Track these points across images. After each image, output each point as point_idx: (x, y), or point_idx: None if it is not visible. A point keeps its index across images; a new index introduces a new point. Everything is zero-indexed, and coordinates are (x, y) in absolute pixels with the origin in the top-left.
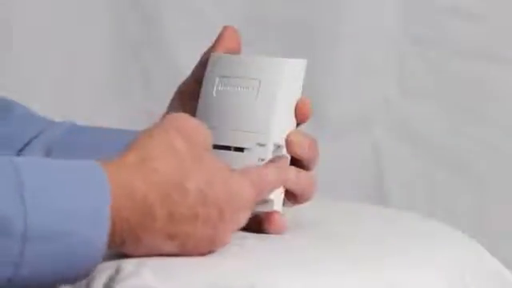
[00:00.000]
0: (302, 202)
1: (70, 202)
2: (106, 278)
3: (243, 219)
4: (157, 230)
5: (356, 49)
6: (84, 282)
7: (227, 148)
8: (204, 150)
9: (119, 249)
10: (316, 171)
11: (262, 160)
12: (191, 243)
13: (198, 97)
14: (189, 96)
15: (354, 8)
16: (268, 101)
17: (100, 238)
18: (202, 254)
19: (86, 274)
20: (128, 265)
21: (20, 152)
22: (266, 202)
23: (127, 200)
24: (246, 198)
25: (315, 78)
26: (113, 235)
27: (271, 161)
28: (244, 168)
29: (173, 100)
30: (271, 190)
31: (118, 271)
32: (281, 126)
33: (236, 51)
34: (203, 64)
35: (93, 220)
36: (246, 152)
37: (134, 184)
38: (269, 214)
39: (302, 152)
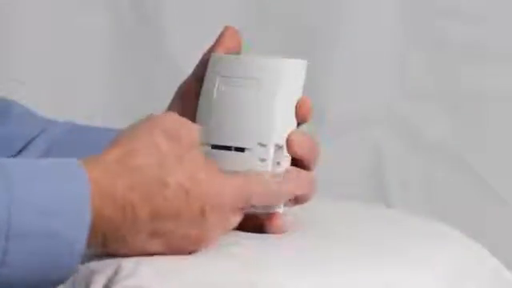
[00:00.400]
0: (302, 203)
1: (50, 201)
2: (106, 278)
3: (232, 219)
4: (139, 227)
5: (356, 49)
6: (83, 282)
7: (228, 148)
8: (189, 148)
9: (102, 248)
10: (316, 171)
11: (263, 160)
12: (175, 241)
13: (198, 96)
14: (189, 95)
15: (354, 8)
16: (268, 101)
17: (80, 236)
18: (189, 253)
19: (68, 273)
20: (128, 264)
21: (20, 152)
22: None
23: (108, 198)
24: (234, 197)
25: (315, 78)
26: (94, 233)
27: (287, 173)
28: (249, 171)
29: (173, 100)
30: (269, 201)
31: (117, 271)
32: (281, 126)
33: (236, 51)
34: (204, 64)
35: (73, 219)
36: (246, 152)
37: (115, 182)
38: (269, 215)
39: (303, 152)
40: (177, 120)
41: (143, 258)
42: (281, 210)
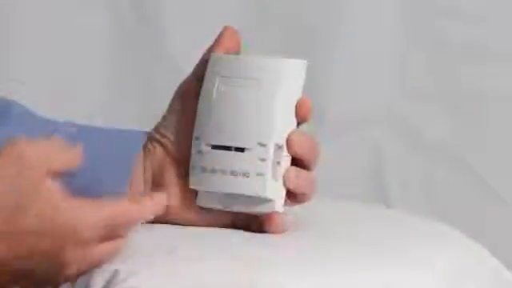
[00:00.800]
0: (302, 202)
1: None
2: (103, 281)
3: (92, 249)
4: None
5: (356, 49)
6: (83, 284)
7: (228, 148)
8: (43, 181)
9: None
10: (316, 171)
11: (263, 160)
12: (35, 279)
13: (198, 96)
14: (189, 95)
15: (354, 8)
16: (268, 101)
17: None
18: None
19: None
20: (125, 267)
21: None
22: (267, 202)
23: None
24: (89, 228)
25: (315, 78)
26: None
27: (287, 173)
28: (101, 201)
29: (173, 99)
30: (128, 228)
31: (114, 275)
32: (281, 125)
33: (236, 51)
34: (204, 63)
35: None
36: (246, 152)
37: None
38: (269, 215)
39: (302, 152)
40: (28, 152)
41: (141, 260)
42: (281, 209)
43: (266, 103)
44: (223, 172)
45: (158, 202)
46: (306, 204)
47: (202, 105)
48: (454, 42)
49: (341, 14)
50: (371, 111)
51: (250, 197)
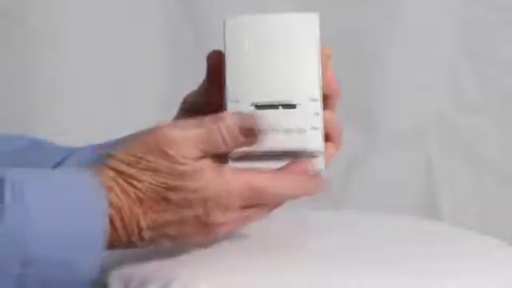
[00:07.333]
0: (337, 146)
1: (67, 227)
2: None
3: (235, 213)
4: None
5: (409, 62)
6: None
7: (274, 107)
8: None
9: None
10: (369, 184)
11: (317, 114)
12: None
13: (202, 109)
14: (194, 108)
15: (408, 19)
16: (307, 55)
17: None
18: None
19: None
20: (181, 277)
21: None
22: (318, 157)
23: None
24: (233, 196)
25: (369, 91)
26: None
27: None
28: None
29: (180, 110)
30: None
31: (168, 283)
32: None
33: None
34: (211, 68)
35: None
36: (299, 108)
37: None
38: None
39: (336, 94)
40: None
41: (197, 270)
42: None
43: (304, 58)
44: (275, 131)
45: (317, 182)
46: (360, 218)
47: (233, 69)
48: (507, 55)
49: (393, 26)
50: (424, 125)
51: (301, 153)
